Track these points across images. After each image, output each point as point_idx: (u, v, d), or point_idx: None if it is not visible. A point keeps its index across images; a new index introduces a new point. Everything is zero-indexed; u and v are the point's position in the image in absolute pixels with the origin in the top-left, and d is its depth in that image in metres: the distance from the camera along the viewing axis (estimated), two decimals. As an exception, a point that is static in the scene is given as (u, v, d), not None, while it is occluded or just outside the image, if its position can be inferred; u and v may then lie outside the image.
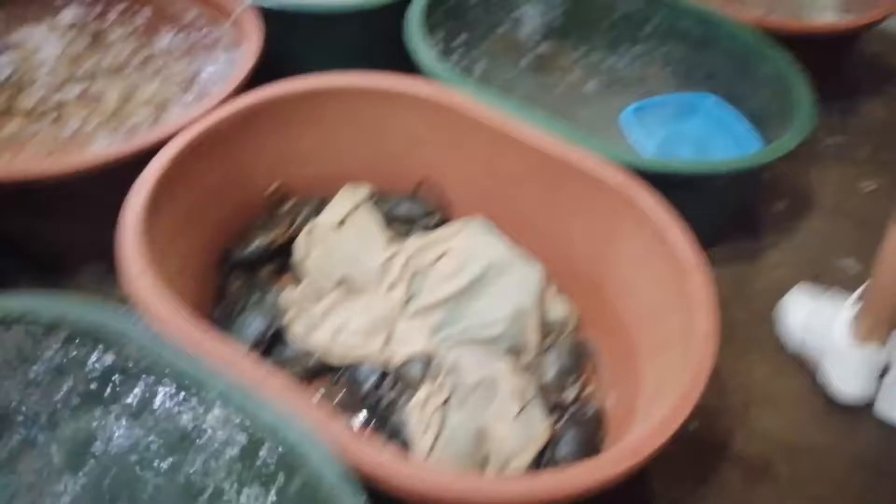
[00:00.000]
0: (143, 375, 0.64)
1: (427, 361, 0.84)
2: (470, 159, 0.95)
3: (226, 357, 0.65)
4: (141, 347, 0.64)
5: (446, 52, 1.13)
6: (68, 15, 1.16)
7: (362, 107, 0.96)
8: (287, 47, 1.17)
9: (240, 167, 0.92)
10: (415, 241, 0.96)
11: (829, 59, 1.34)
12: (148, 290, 0.69)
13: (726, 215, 1.07)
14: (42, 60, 1.10)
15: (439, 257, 0.93)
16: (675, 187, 0.84)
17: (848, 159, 1.26)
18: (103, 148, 0.98)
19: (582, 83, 1.15)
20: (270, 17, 1.11)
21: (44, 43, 1.12)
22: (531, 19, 1.21)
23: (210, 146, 0.87)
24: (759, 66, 1.14)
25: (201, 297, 0.90)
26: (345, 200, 0.99)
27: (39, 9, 1.18)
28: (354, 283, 0.92)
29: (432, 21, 1.11)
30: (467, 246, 0.92)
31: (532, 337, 0.86)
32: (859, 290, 0.90)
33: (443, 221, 1.00)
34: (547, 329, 0.89)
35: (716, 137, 1.06)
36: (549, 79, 1.16)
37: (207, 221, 0.90)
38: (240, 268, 0.96)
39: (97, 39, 1.16)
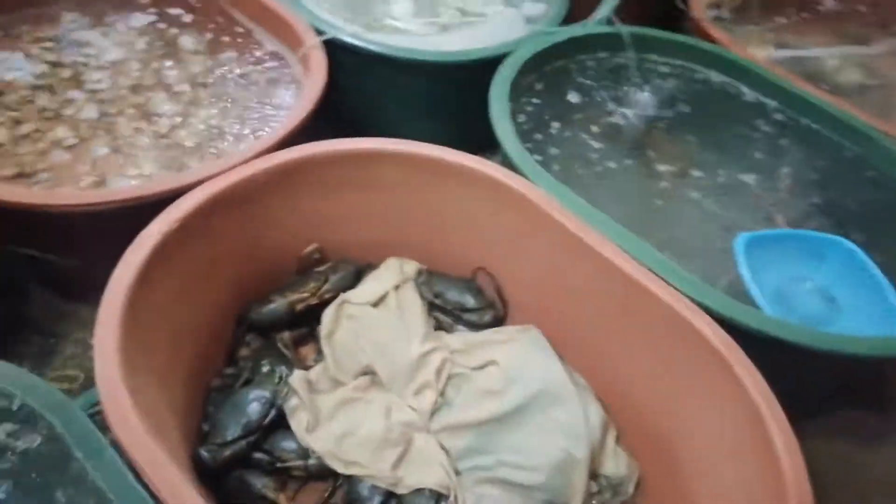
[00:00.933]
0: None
1: (441, 499, 0.68)
2: (535, 259, 0.80)
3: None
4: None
5: (530, 128, 0.98)
6: (142, 19, 1.10)
7: (419, 176, 0.83)
8: (358, 87, 1.08)
9: (273, 223, 0.80)
10: (458, 339, 0.81)
11: None
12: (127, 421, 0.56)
13: (842, 384, 0.87)
14: (107, 64, 1.04)
15: (483, 366, 0.77)
16: (791, 352, 0.66)
17: None
18: (142, 179, 0.89)
19: (687, 189, 0.98)
20: (342, 53, 1.01)
21: (112, 46, 1.06)
22: (638, 107, 1.06)
23: (242, 198, 0.76)
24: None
25: (208, 360, 0.78)
26: (387, 275, 0.86)
27: (114, 10, 1.13)
28: (378, 376, 0.78)
29: (521, 89, 0.99)
30: (518, 361, 0.76)
31: (578, 496, 0.69)
32: None
33: (495, 322, 0.85)
34: (598, 486, 0.72)
35: (847, 294, 0.85)
36: (649, 179, 0.99)
37: (227, 278, 0.78)
38: (256, 331, 0.84)
39: (166, 53, 1.08)
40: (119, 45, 1.07)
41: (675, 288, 0.70)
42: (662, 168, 1.00)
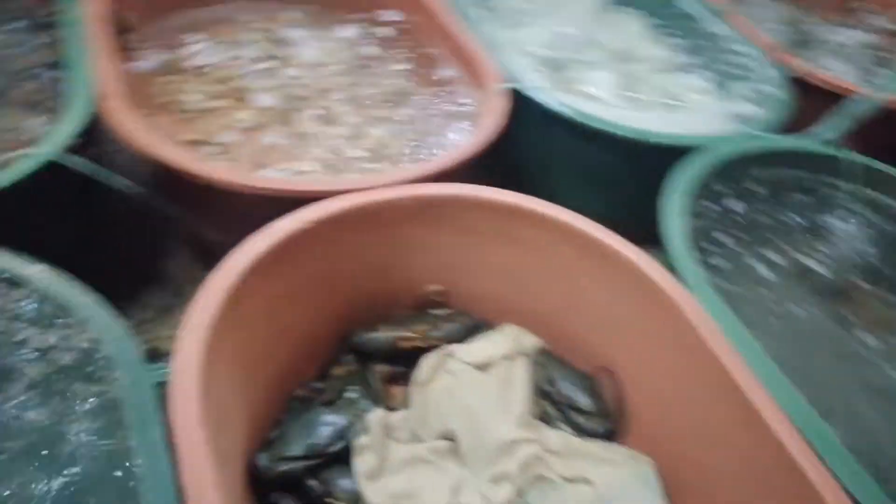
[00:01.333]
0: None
1: None
2: (672, 379, 0.70)
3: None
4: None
5: (701, 234, 0.86)
6: (350, 32, 1.14)
7: (559, 244, 0.76)
8: (533, 143, 1.03)
9: (403, 252, 0.77)
10: (559, 439, 0.72)
11: None
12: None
13: None
14: (305, 63, 1.08)
15: (576, 480, 0.68)
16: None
17: None
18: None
19: (883, 358, 0.81)
20: (526, 105, 0.97)
21: (316, 49, 1.10)
22: (841, 248, 0.91)
23: (381, 219, 0.74)
24: None
25: (299, 369, 0.76)
26: (503, 342, 0.79)
27: (328, 18, 1.18)
28: (459, 445, 0.71)
29: (706, 188, 0.88)
30: (617, 491, 0.66)
31: None
32: None
33: (606, 435, 0.75)
34: None
35: None
36: (834, 336, 0.84)
37: (340, 294, 0.76)
38: (355, 354, 0.80)
39: (361, 67, 1.11)
40: (322, 49, 1.12)
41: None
42: (858, 330, 0.84)
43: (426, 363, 0.77)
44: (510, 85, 0.99)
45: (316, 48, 1.12)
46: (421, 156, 0.97)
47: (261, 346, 0.67)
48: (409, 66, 1.14)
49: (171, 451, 0.51)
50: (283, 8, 1.18)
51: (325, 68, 1.09)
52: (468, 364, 0.77)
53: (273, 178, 0.87)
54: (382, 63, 1.13)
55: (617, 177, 1.03)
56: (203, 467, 0.50)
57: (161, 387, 0.55)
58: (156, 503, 0.49)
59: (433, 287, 0.83)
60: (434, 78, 1.11)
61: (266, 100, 1.00)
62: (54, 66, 0.87)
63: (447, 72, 1.11)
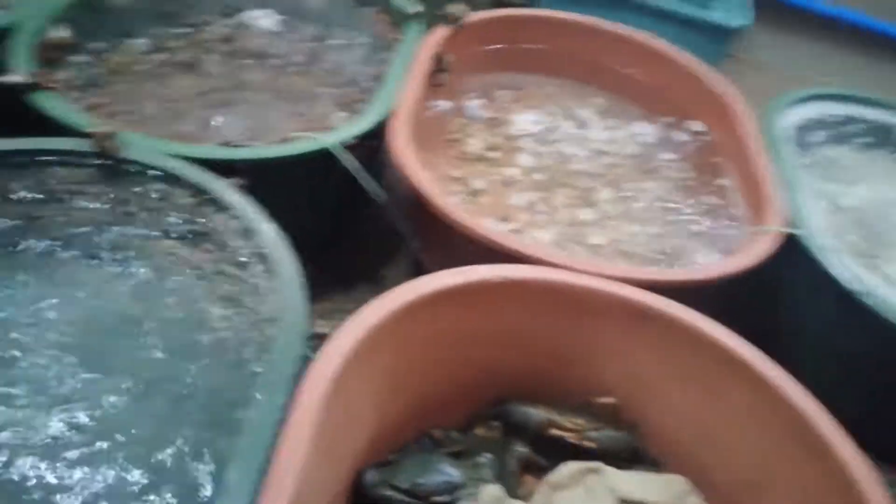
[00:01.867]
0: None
1: None
2: None
3: None
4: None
5: None
6: (645, 130, 1.13)
7: (776, 426, 0.67)
8: (794, 297, 0.91)
9: (601, 351, 0.74)
10: None
11: None
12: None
13: None
14: (588, 146, 1.10)
15: None
16: None
17: None
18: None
19: None
20: (800, 260, 0.87)
21: (602, 135, 1.11)
22: None
23: (575, 303, 0.72)
24: None
25: (440, 410, 0.76)
26: (663, 491, 0.70)
27: (626, 112, 1.19)
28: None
29: None
30: None
31: None
32: None
33: None
34: None
35: None
36: None
37: (514, 355, 0.75)
38: (503, 422, 0.78)
39: (639, 161, 1.10)
40: (611, 137, 1.13)
41: None
42: None
43: (567, 468, 0.71)
44: (792, 230, 0.89)
45: (605, 135, 1.13)
46: (660, 263, 0.92)
47: (410, 372, 0.69)
48: (689, 176, 1.09)
49: (283, 417, 0.55)
50: (592, 93, 1.21)
51: (606, 155, 1.10)
52: (614, 492, 0.70)
53: (503, 232, 0.89)
54: (665, 166, 1.10)
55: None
56: (298, 447, 0.52)
57: (304, 361, 0.59)
58: (249, 447, 0.53)
59: (606, 399, 0.77)
60: (710, 195, 1.05)
61: (534, 163, 1.04)
62: (376, 79, 1.01)
63: (726, 193, 1.04)
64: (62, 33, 0.93)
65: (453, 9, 1.11)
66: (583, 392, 0.76)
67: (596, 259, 0.89)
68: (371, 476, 0.68)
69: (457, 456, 0.74)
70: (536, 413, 0.76)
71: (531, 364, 0.76)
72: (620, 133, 1.14)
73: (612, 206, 1.01)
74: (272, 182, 0.78)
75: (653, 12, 1.36)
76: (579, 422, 0.75)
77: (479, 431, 0.78)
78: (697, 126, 1.15)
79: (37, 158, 0.73)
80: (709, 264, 0.88)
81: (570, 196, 1.01)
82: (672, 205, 1.03)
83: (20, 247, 0.71)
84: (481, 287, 0.70)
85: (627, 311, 0.72)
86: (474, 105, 1.12)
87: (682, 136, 1.16)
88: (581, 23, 1.21)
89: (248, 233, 0.70)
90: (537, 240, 0.91)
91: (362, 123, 0.87)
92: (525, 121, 1.13)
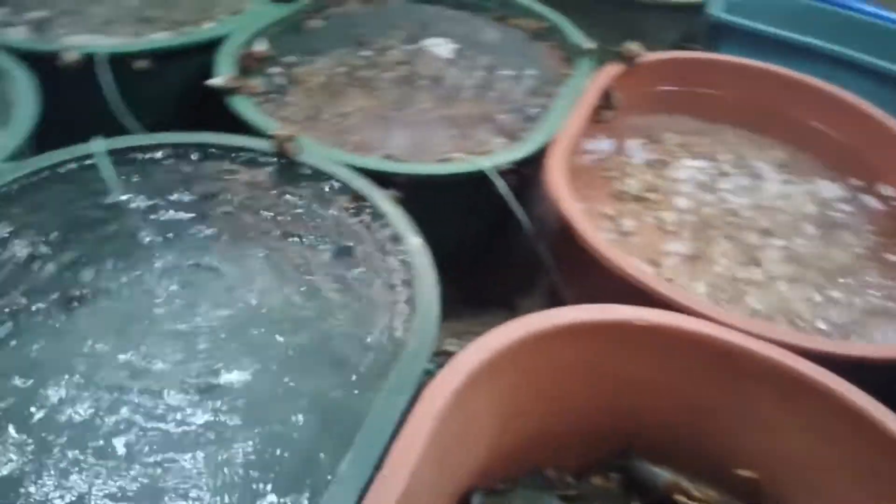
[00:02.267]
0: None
1: None
2: None
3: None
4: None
5: None
6: (828, 188, 1.05)
7: None
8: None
9: (727, 409, 0.68)
10: None
11: None
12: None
13: None
14: (758, 199, 1.04)
15: None
16: None
17: None
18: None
19: None
20: None
21: (776, 189, 1.05)
22: None
23: (723, 362, 0.67)
24: None
25: (553, 450, 0.73)
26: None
27: (810, 169, 1.10)
28: None
29: None
30: None
31: None
32: None
33: None
34: None
35: None
36: None
37: (640, 408, 0.71)
38: (623, 474, 0.73)
39: (818, 224, 1.01)
40: (786, 192, 1.05)
41: None
42: None
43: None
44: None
45: (780, 189, 1.05)
46: (830, 336, 0.83)
47: (534, 401, 0.67)
48: (877, 245, 0.98)
49: (402, 421, 0.55)
50: (769, 144, 1.14)
51: (779, 212, 1.02)
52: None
53: (655, 276, 0.85)
54: (848, 231, 1.00)
55: None
56: (412, 450, 0.52)
57: (426, 375, 0.60)
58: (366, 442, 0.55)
59: (746, 472, 0.70)
60: (893, 267, 0.94)
61: (693, 210, 0.99)
62: (542, 109, 1.02)
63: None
64: (262, 47, 1.04)
65: (630, 46, 1.10)
66: (718, 461, 0.70)
67: (757, 319, 0.83)
68: (477, 499, 0.67)
69: (569, 501, 0.71)
70: (663, 472, 0.71)
71: (666, 419, 0.71)
72: (799, 189, 1.06)
73: (779, 267, 0.93)
74: (426, 198, 0.81)
75: (847, 65, 1.26)
76: (711, 493, 0.69)
77: (596, 481, 0.74)
78: (890, 191, 1.04)
79: (229, 154, 0.84)
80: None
81: (730, 250, 0.94)
82: (850, 275, 0.93)
83: (204, 231, 0.79)
84: (625, 328, 0.66)
85: (788, 379, 0.65)
86: (637, 145, 1.09)
87: (872, 201, 1.05)
88: (764, 70, 1.14)
89: (396, 240, 0.73)
90: (689, 290, 0.86)
91: (520, 150, 0.88)
92: (690, 166, 1.08)
